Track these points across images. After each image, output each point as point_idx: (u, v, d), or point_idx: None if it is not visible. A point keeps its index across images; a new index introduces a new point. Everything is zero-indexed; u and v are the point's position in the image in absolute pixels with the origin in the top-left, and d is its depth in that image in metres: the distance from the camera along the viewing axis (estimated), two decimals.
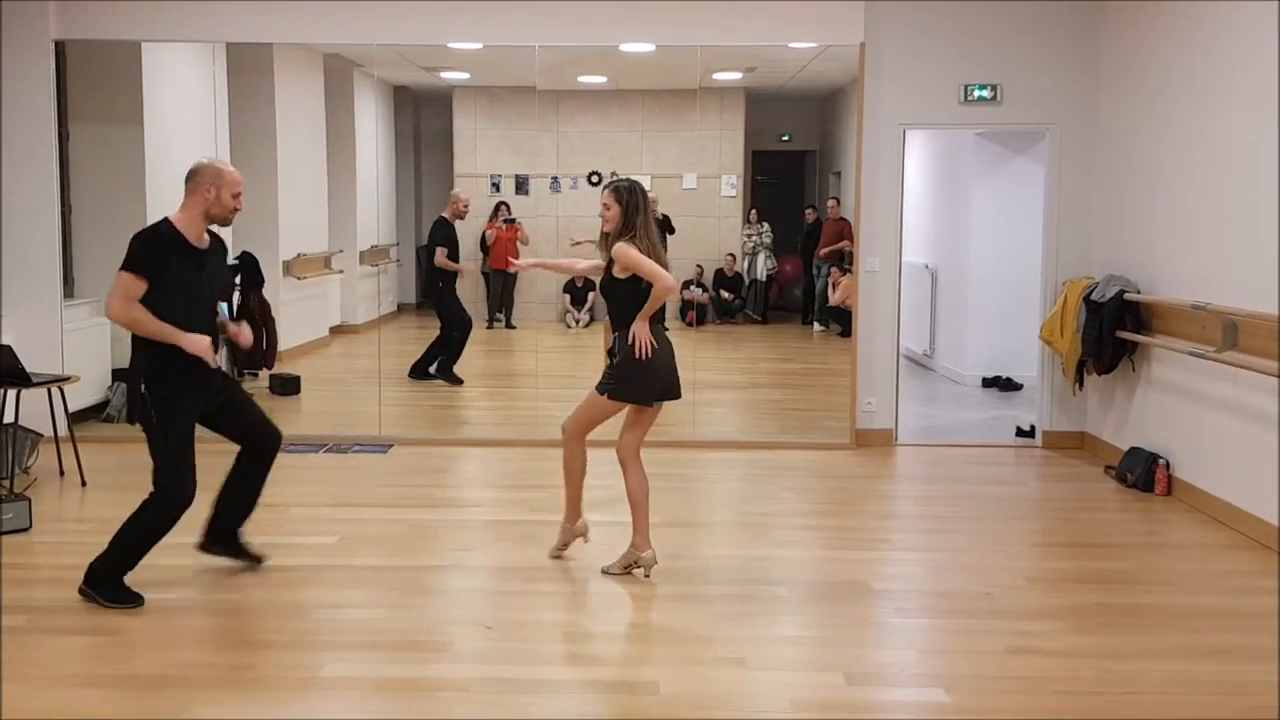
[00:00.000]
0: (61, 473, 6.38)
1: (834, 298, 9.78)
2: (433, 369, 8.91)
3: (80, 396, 7.13)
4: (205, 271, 4.46)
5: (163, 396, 4.33)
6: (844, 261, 9.49)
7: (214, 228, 4.51)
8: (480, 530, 5.59)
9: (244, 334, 4.67)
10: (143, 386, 4.34)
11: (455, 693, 3.67)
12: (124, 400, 7.71)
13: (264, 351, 8.48)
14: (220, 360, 4.52)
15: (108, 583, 4.41)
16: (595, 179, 9.94)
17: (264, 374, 8.54)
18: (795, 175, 10.93)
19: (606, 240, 4.76)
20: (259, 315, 8.44)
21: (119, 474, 6.51)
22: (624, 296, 4.71)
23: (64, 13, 7.17)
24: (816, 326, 10.25)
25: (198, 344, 4.29)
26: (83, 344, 7.50)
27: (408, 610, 4.42)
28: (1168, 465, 6.23)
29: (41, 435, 6.46)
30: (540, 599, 4.54)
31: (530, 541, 5.29)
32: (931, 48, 7.31)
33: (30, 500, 5.47)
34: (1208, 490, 5.89)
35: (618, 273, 4.70)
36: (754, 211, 10.08)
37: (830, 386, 8.46)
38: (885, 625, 4.38)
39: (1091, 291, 6.80)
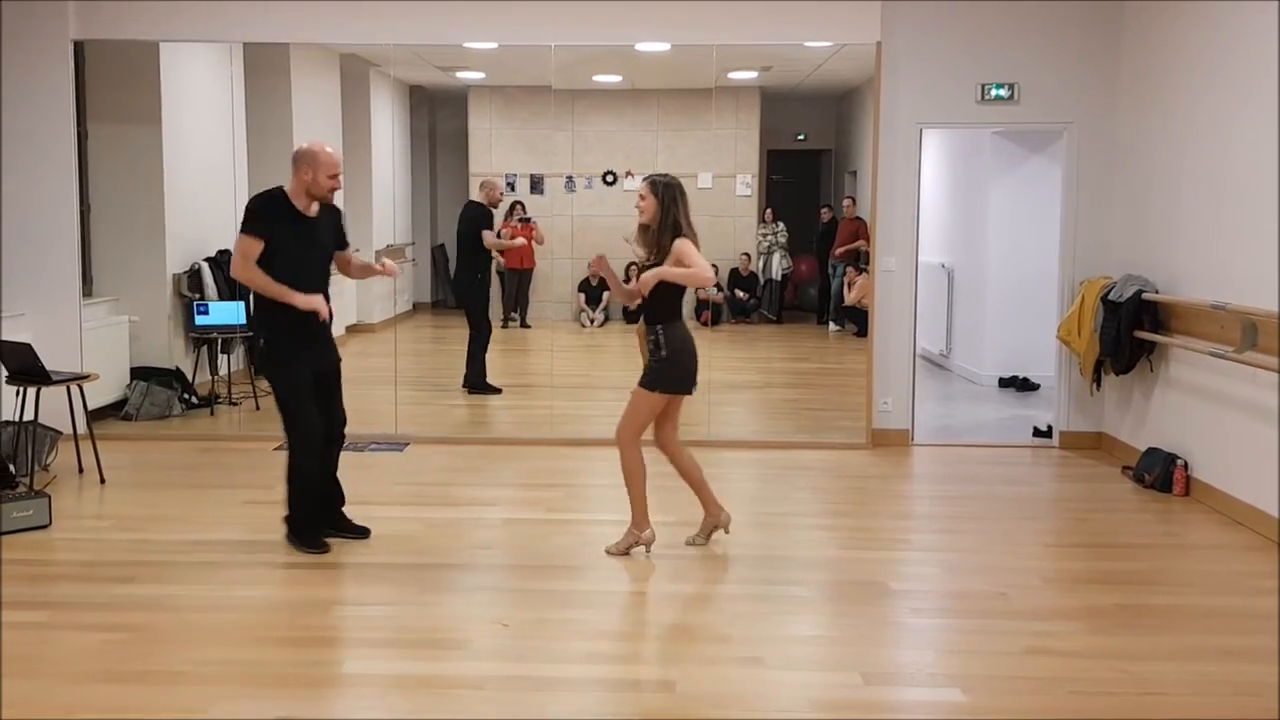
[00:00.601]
0: (80, 470, 6.42)
1: (849, 297, 9.77)
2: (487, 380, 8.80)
3: (99, 395, 7.17)
4: (315, 234, 4.85)
5: (280, 350, 4.79)
6: (859, 261, 9.47)
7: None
8: (496, 529, 5.61)
9: (389, 268, 5.16)
10: (262, 341, 4.86)
11: (472, 690, 3.68)
12: (142, 398, 7.77)
13: None
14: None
15: (296, 531, 4.98)
16: (610, 178, 9.96)
17: None
18: (810, 175, 10.92)
19: (644, 233, 4.84)
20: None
21: (138, 471, 6.55)
22: (666, 292, 4.79)
23: (83, 13, 7.22)
24: (832, 326, 10.24)
25: (309, 301, 4.74)
26: (101, 342, 7.55)
27: (425, 608, 4.43)
28: (1186, 466, 6.20)
29: (61, 433, 6.50)
30: (556, 597, 4.55)
31: (546, 540, 5.31)
32: (948, 46, 7.29)
33: (50, 497, 5.50)
34: (1227, 491, 5.86)
35: (678, 263, 4.76)
36: (769, 211, 10.08)
37: (845, 386, 8.45)
38: (902, 625, 4.37)
39: (1109, 291, 6.77)
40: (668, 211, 4.79)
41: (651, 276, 4.77)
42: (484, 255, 8.77)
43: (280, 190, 4.82)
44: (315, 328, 4.85)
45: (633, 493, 5.01)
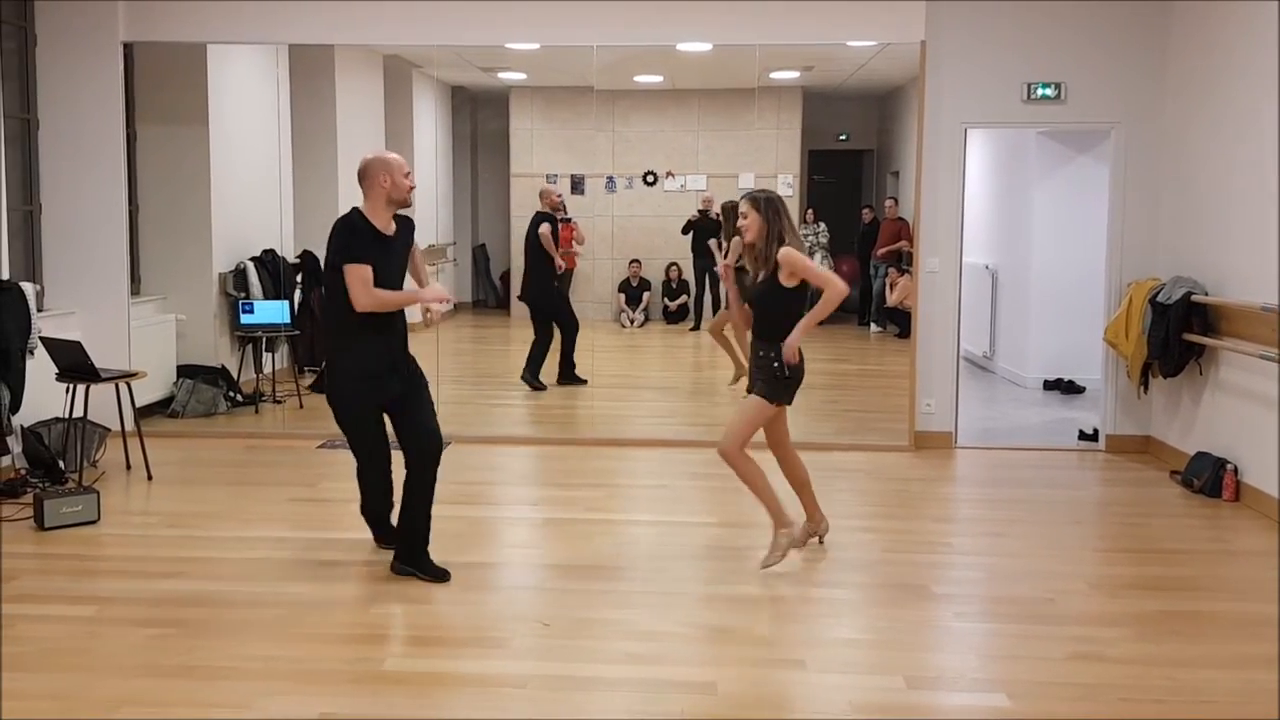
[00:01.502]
0: (128, 467, 6.50)
1: (891, 298, 9.69)
2: (571, 370, 8.81)
3: (146, 392, 7.27)
4: (394, 255, 4.67)
5: (348, 392, 4.62)
6: (901, 262, 9.40)
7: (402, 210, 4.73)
8: (537, 528, 5.62)
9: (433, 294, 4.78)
10: (325, 371, 4.72)
11: (514, 689, 3.68)
12: (189, 396, 7.86)
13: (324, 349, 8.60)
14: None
15: (412, 559, 4.73)
16: (651, 179, 9.95)
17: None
18: (852, 175, 10.84)
19: (754, 251, 4.86)
20: (319, 313, 8.56)
21: (184, 468, 6.63)
22: (787, 304, 4.81)
23: (133, 16, 7.32)
24: (873, 327, 10.17)
25: (436, 293, 4.66)
26: (149, 340, 7.65)
27: (466, 606, 4.44)
28: (1236, 470, 6.10)
29: (109, 430, 6.60)
30: (597, 597, 4.55)
31: (587, 540, 5.31)
32: (994, 46, 7.22)
33: (99, 493, 5.58)
34: (1277, 496, 5.75)
35: (785, 280, 4.78)
36: (810, 211, 10.02)
37: (888, 388, 8.38)
38: (946, 629, 4.33)
39: (1157, 293, 6.67)
40: (772, 225, 4.79)
41: (796, 338, 4.77)
42: (548, 258, 8.83)
43: (357, 213, 4.58)
44: (387, 357, 4.61)
45: (762, 497, 4.93)
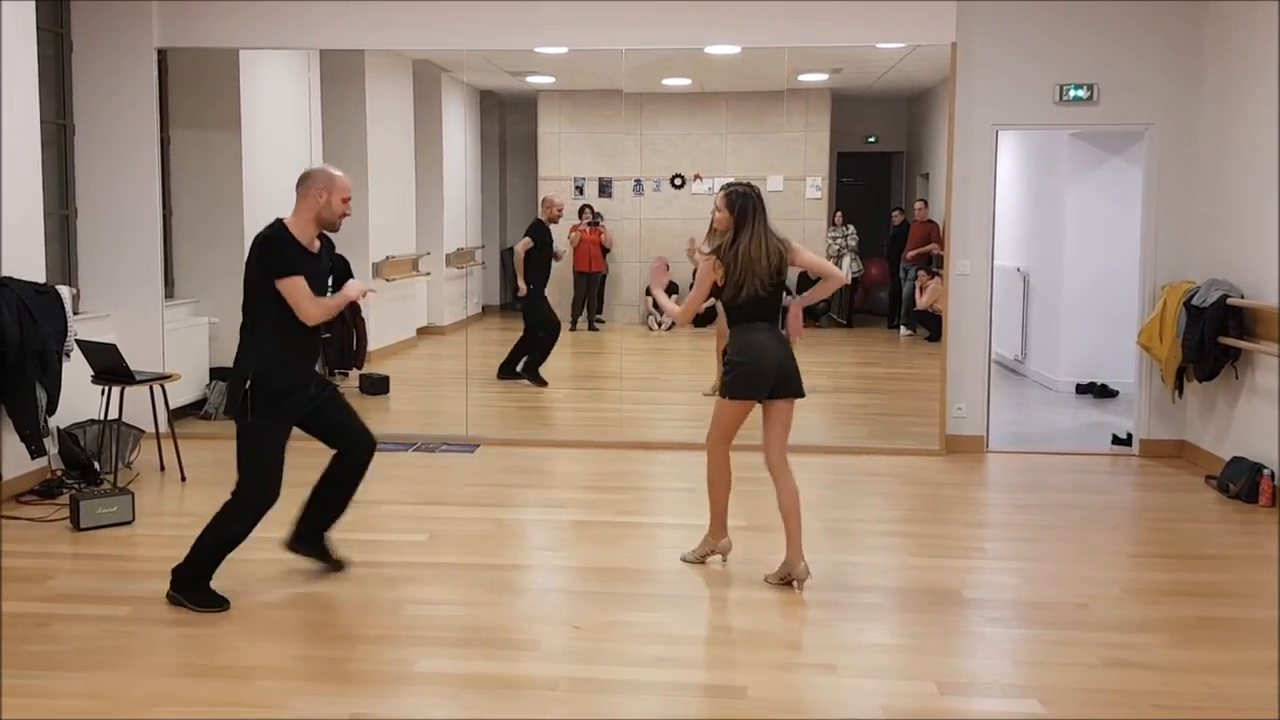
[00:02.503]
0: (162, 468, 6.57)
1: (921, 301, 9.65)
2: (519, 368, 8.98)
3: (180, 394, 7.34)
4: (319, 273, 4.49)
5: (262, 402, 4.33)
6: (931, 265, 9.35)
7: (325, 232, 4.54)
8: (567, 530, 5.62)
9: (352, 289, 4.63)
10: (246, 385, 4.32)
11: (544, 691, 3.69)
12: (222, 397, 7.91)
13: (354, 351, 8.65)
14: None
15: (193, 587, 4.43)
16: (679, 181, 9.94)
17: (354, 374, 8.71)
18: (881, 177, 10.80)
19: (715, 238, 4.88)
20: (349, 316, 8.60)
21: (217, 470, 6.67)
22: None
23: (167, 21, 7.39)
24: (903, 330, 10.12)
25: (357, 287, 4.54)
26: (182, 343, 7.72)
27: (496, 608, 4.45)
28: (1273, 476, 6.02)
29: (143, 431, 6.66)
30: (628, 600, 4.55)
31: (616, 543, 5.31)
32: (1025, 47, 7.17)
33: (133, 494, 5.64)
34: None
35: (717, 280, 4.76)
36: (839, 214, 9.99)
37: (918, 392, 8.33)
38: (977, 634, 4.30)
39: (1192, 296, 6.61)
40: (740, 224, 4.76)
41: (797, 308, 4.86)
42: (540, 266, 8.87)
43: (281, 225, 4.40)
44: (308, 370, 4.51)
45: (713, 499, 4.96)
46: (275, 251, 4.31)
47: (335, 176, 4.42)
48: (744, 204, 4.75)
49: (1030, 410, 8.87)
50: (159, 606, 4.42)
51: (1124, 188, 8.54)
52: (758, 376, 4.75)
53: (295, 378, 4.42)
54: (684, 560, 5.01)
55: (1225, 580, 4.94)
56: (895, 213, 10.26)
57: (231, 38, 7.49)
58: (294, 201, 4.45)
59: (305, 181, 4.41)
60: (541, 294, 9.02)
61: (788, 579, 4.70)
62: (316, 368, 4.64)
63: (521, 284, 8.98)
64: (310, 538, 4.79)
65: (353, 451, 4.69)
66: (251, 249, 4.36)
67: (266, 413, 4.35)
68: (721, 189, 4.86)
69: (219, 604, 4.41)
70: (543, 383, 8.91)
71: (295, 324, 4.34)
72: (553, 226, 9.08)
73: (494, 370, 9.03)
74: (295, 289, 4.28)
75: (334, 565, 4.82)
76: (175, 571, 4.47)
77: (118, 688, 3.68)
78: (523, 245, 8.92)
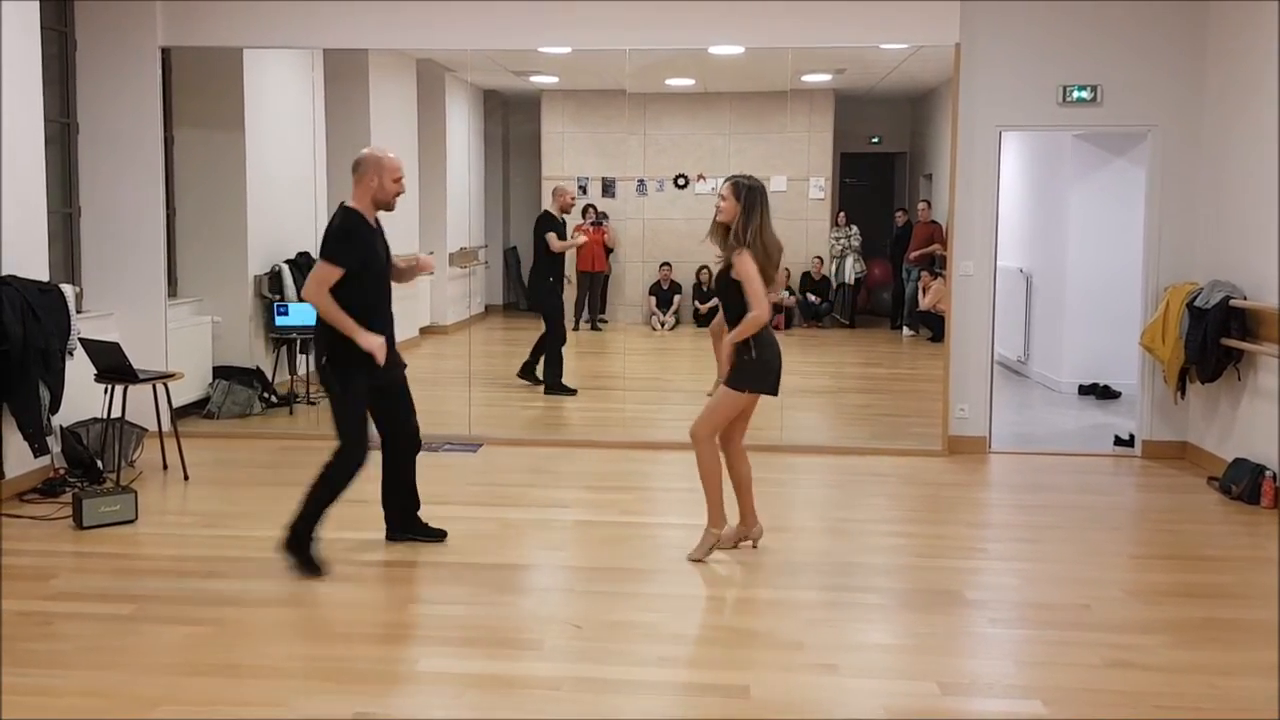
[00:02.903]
0: (165, 467, 6.57)
1: (924, 302, 9.65)
2: (538, 374, 8.90)
3: (183, 393, 7.35)
4: (382, 248, 4.83)
5: (340, 369, 4.69)
6: (934, 265, 9.35)
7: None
8: (569, 530, 5.63)
9: (425, 262, 5.08)
10: (325, 359, 4.73)
11: (547, 690, 3.69)
12: (224, 397, 7.93)
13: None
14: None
15: (299, 545, 4.75)
16: (682, 182, 9.95)
17: None
18: (885, 178, 10.80)
19: (724, 232, 4.86)
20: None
21: (220, 469, 6.69)
22: (738, 295, 4.80)
23: (171, 20, 7.40)
24: (906, 331, 10.12)
25: (370, 343, 4.66)
26: (185, 342, 7.73)
27: (499, 608, 4.46)
28: (1275, 477, 6.02)
29: (146, 430, 6.67)
30: (630, 600, 4.55)
31: (619, 543, 5.32)
32: (1029, 48, 7.17)
33: (136, 493, 5.64)
34: None
35: (734, 275, 4.78)
36: (842, 214, 9.99)
37: (920, 392, 8.34)
38: (980, 635, 4.30)
39: (1195, 297, 6.60)
40: (748, 215, 4.78)
41: (728, 349, 4.84)
42: (555, 260, 8.83)
43: (356, 215, 4.72)
44: (385, 344, 4.78)
45: (709, 491, 4.99)
46: (336, 236, 4.67)
47: (383, 158, 4.72)
48: (751, 195, 4.77)
49: (1033, 411, 8.87)
50: (162, 605, 4.43)
51: (1127, 189, 8.54)
52: (777, 372, 4.89)
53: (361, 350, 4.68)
54: (691, 560, 4.99)
55: (1227, 582, 4.94)
56: (899, 213, 10.27)
57: (235, 37, 7.50)
58: (353, 184, 4.76)
59: (357, 168, 4.73)
60: (560, 290, 8.94)
61: (745, 537, 5.15)
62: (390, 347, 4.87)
63: (563, 243, 8.88)
64: (406, 523, 5.16)
65: (399, 438, 5.02)
66: (327, 229, 4.72)
67: (347, 379, 4.70)
68: (727, 180, 4.87)
69: (316, 571, 4.73)
70: (571, 391, 8.83)
71: (369, 302, 4.70)
72: (566, 218, 9.03)
73: (496, 370, 9.03)
74: (322, 270, 4.63)
75: (436, 536, 5.18)
76: (288, 528, 4.79)
77: (120, 686, 3.68)
78: (553, 238, 8.85)
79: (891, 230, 10.26)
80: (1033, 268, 10.25)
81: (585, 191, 9.92)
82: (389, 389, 4.91)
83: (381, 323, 4.78)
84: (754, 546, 5.17)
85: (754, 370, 4.85)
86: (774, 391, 4.94)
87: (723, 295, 4.92)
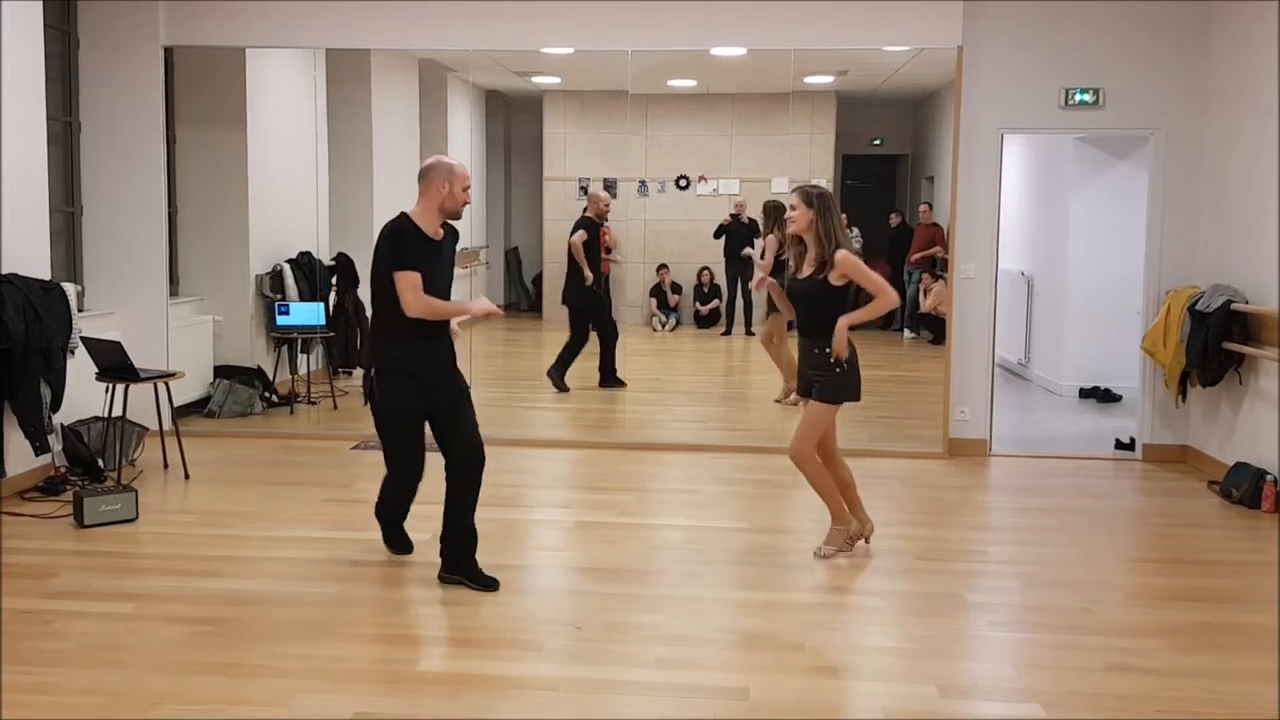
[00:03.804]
0: (166, 465, 6.58)
1: (925, 304, 9.65)
2: (600, 377, 8.89)
3: (184, 392, 7.35)
4: (443, 261, 4.67)
5: (387, 393, 4.56)
6: (935, 268, 9.35)
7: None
8: (569, 531, 5.63)
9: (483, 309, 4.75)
10: (372, 378, 4.58)
11: (546, 691, 3.69)
12: (225, 396, 7.93)
13: (357, 350, 8.67)
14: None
15: (460, 567, 4.69)
16: (683, 183, 9.96)
17: (357, 373, 8.72)
18: (886, 180, 10.80)
19: (798, 244, 4.92)
20: (354, 315, 8.62)
21: (220, 468, 6.69)
22: (833, 302, 4.84)
23: (173, 20, 7.40)
24: (906, 333, 10.12)
25: (485, 306, 4.65)
26: (187, 341, 7.74)
27: (498, 608, 4.46)
28: (1276, 481, 6.02)
29: (147, 429, 6.67)
30: (629, 601, 4.55)
31: (619, 544, 5.32)
32: (1031, 50, 7.17)
33: (137, 492, 5.65)
34: None
35: (835, 280, 4.80)
36: (843, 216, 9.98)
37: (921, 395, 8.34)
38: (980, 638, 4.30)
39: (1197, 301, 6.60)
40: (824, 221, 4.81)
41: (843, 335, 4.83)
42: (594, 261, 8.89)
43: (405, 218, 4.53)
44: (436, 365, 4.61)
45: (826, 497, 5.08)
46: (394, 244, 4.48)
47: (454, 166, 4.60)
48: (823, 199, 4.83)
49: (1033, 414, 8.86)
50: (162, 604, 4.43)
51: (1129, 192, 8.54)
52: (860, 378, 4.96)
53: (417, 368, 4.56)
54: (818, 556, 5.08)
55: (1228, 586, 4.93)
56: (893, 215, 10.26)
57: (238, 36, 7.50)
58: (418, 193, 4.59)
59: (427, 174, 4.58)
60: (591, 289, 8.96)
61: (860, 536, 5.18)
62: (445, 364, 4.70)
63: (588, 273, 8.90)
64: (453, 566, 4.73)
65: (455, 465, 4.68)
66: (377, 242, 4.52)
67: (391, 401, 4.57)
68: (793, 190, 4.90)
69: (488, 584, 4.65)
70: (620, 384, 8.83)
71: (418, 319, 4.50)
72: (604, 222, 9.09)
73: (498, 370, 9.04)
74: (403, 281, 4.44)
75: (489, 586, 4.66)
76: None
77: (121, 685, 3.68)
78: (579, 238, 8.89)
79: (889, 232, 10.25)
80: (1034, 270, 10.25)
81: (587, 193, 9.92)
82: (450, 408, 4.64)
83: (437, 334, 4.61)
84: (866, 542, 5.21)
85: (847, 382, 4.90)
86: (859, 397, 5.00)
87: (810, 303, 4.90)
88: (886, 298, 4.82)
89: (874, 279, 4.84)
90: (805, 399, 5.05)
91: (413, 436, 4.66)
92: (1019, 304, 10.19)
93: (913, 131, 10.39)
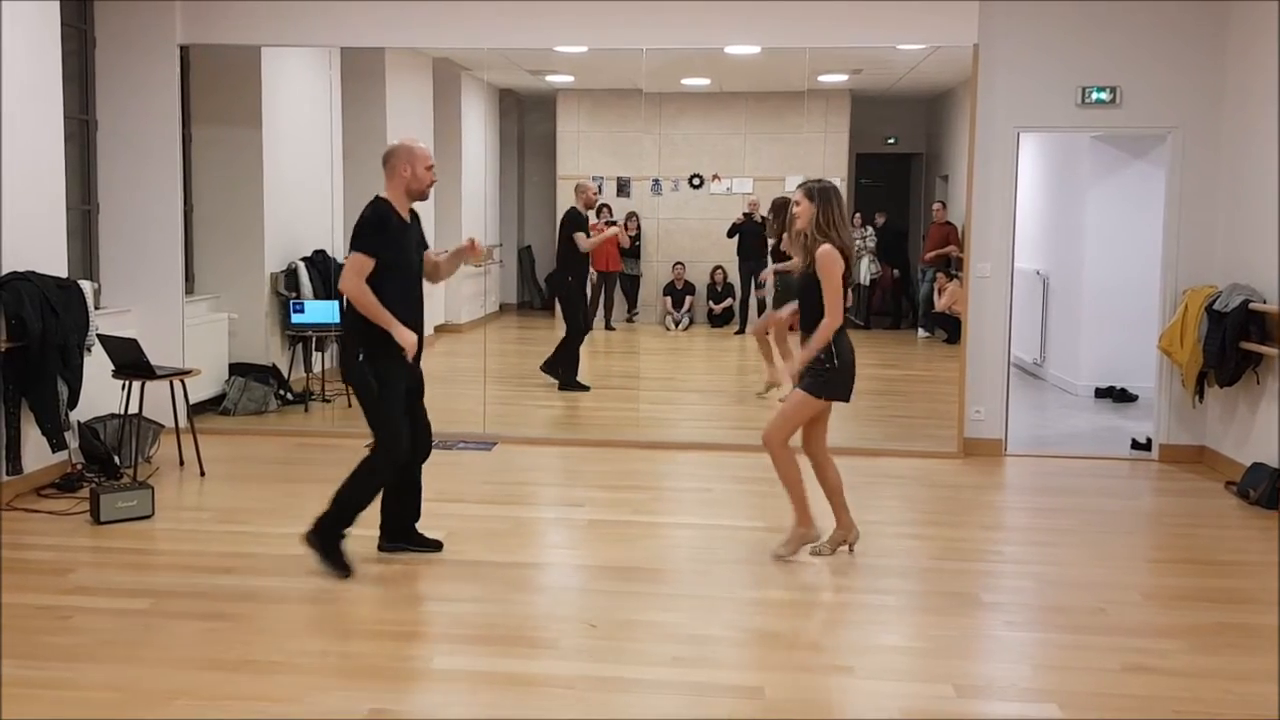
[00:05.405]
0: (181, 463, 6.60)
1: (940, 303, 9.62)
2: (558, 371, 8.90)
3: (199, 389, 7.37)
4: (415, 240, 4.78)
5: (377, 366, 4.63)
6: (950, 267, 9.32)
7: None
8: (583, 529, 5.63)
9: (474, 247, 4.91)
10: (360, 355, 4.64)
11: (561, 689, 3.69)
12: (240, 394, 7.96)
13: None
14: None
15: (330, 538, 4.70)
16: (697, 181, 9.94)
17: None
18: (901, 179, 10.77)
19: (804, 239, 4.88)
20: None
21: (236, 465, 6.72)
22: (822, 296, 4.80)
23: (189, 18, 7.43)
24: (921, 332, 10.09)
25: (406, 338, 4.62)
26: (202, 339, 7.76)
27: (513, 606, 4.46)
28: None
29: (163, 426, 6.70)
30: (643, 599, 4.55)
31: (633, 542, 5.31)
32: (1047, 49, 7.14)
33: (153, 489, 5.67)
34: None
35: (817, 269, 4.81)
36: (857, 215, 9.96)
37: (935, 394, 8.31)
38: (995, 638, 4.28)
39: (1214, 300, 6.57)
40: (821, 215, 4.81)
41: (809, 353, 4.83)
42: (578, 258, 8.86)
43: (386, 204, 4.65)
44: (416, 343, 4.75)
45: (792, 492, 5.02)
46: (365, 227, 4.59)
47: (414, 147, 4.68)
48: (824, 193, 4.80)
49: (1049, 414, 8.83)
50: (178, 600, 4.45)
51: (1146, 191, 8.49)
52: (852, 380, 4.91)
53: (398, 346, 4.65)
54: (777, 557, 5.02)
55: (1244, 586, 4.91)
56: (878, 216, 10.17)
57: (253, 35, 7.52)
58: (385, 178, 4.70)
59: (389, 159, 4.68)
60: (582, 287, 8.95)
61: (844, 542, 5.07)
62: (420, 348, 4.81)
63: (592, 249, 8.90)
64: (402, 533, 5.00)
65: (413, 445, 4.88)
66: (357, 223, 4.63)
67: (385, 374, 4.65)
68: (798, 186, 4.90)
69: (343, 569, 4.67)
70: (585, 387, 8.82)
71: (398, 295, 4.61)
72: (590, 214, 9.05)
73: (511, 368, 9.03)
74: (354, 261, 4.56)
75: (433, 547, 5.02)
76: (317, 520, 4.72)
77: (137, 680, 3.70)
78: (581, 238, 8.87)
79: (888, 231, 10.19)
80: (1050, 270, 10.21)
81: (600, 191, 9.92)
82: (414, 389, 4.86)
83: (413, 318, 4.72)
84: (850, 551, 5.10)
85: (835, 378, 4.87)
86: (848, 398, 4.95)
87: (807, 295, 4.90)
88: (828, 319, 4.75)
89: (828, 290, 4.76)
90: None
91: (402, 408, 4.76)
92: (1034, 303, 10.15)
93: (927, 130, 10.35)
